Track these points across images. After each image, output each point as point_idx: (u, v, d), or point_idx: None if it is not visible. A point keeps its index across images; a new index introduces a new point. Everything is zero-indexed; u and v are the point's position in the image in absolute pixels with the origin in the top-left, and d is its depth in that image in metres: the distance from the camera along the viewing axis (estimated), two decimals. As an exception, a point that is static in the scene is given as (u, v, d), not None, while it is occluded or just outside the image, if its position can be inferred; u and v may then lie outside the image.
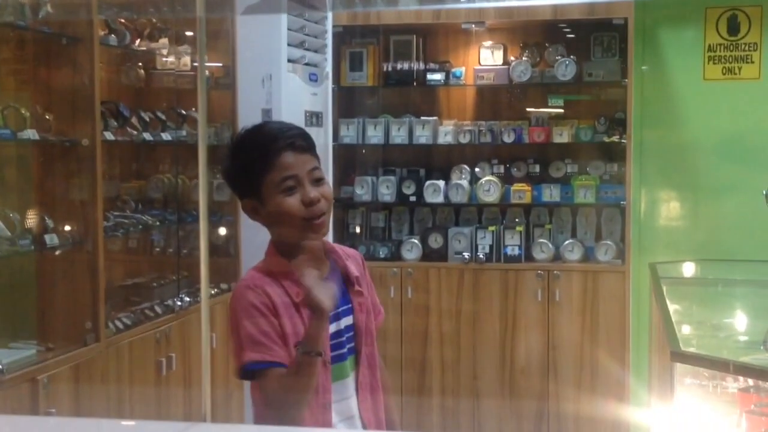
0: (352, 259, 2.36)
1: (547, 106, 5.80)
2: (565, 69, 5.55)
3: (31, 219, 3.55)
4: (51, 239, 3.52)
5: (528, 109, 5.84)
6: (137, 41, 4.23)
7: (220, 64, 4.91)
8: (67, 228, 3.63)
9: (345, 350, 2.27)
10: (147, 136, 4.21)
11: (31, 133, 3.42)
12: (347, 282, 2.30)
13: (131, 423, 0.97)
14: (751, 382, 2.96)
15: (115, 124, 4.02)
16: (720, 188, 5.58)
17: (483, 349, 5.49)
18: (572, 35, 5.78)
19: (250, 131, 2.28)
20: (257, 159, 2.19)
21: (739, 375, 2.80)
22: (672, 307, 3.51)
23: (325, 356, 2.17)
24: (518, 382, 5.48)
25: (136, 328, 3.90)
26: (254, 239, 4.83)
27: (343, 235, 5.84)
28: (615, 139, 5.55)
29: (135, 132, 4.15)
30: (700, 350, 2.94)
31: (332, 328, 2.22)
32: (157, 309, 4.12)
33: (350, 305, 2.29)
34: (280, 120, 2.34)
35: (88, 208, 3.66)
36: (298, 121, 5.11)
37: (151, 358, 3.93)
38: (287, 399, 2.11)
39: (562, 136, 5.63)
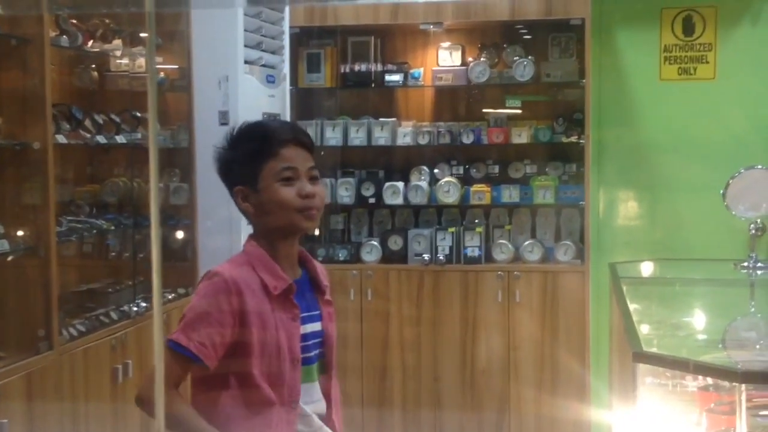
0: (319, 267, 2.38)
1: (505, 107, 5.80)
2: (523, 70, 5.56)
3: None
4: (1, 245, 3.43)
5: (486, 110, 5.83)
6: (90, 42, 4.15)
7: (176, 66, 4.84)
8: (19, 233, 3.55)
9: (312, 354, 2.28)
10: (101, 139, 4.14)
11: (-21, 137, 3.34)
12: (317, 290, 2.33)
13: None
14: (710, 381, 2.97)
15: (68, 126, 3.94)
16: (677, 187, 5.61)
17: (444, 350, 5.47)
18: (530, 36, 5.78)
19: (253, 124, 2.36)
20: (260, 147, 2.23)
21: (699, 374, 2.81)
22: (632, 307, 3.51)
23: (295, 354, 2.20)
24: (479, 384, 5.47)
25: (91, 335, 3.82)
26: (211, 244, 4.81)
27: (302, 237, 5.78)
28: (573, 139, 5.56)
29: (88, 135, 4.08)
30: (660, 350, 2.94)
31: (303, 328, 2.25)
32: (113, 315, 4.04)
33: (319, 312, 2.31)
34: (253, 125, 2.37)
35: (40, 212, 3.58)
36: (256, 123, 5.06)
37: (107, 366, 3.85)
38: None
39: (521, 136, 5.63)
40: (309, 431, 2.23)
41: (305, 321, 2.26)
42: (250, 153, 2.24)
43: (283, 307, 2.21)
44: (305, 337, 2.26)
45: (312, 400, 2.28)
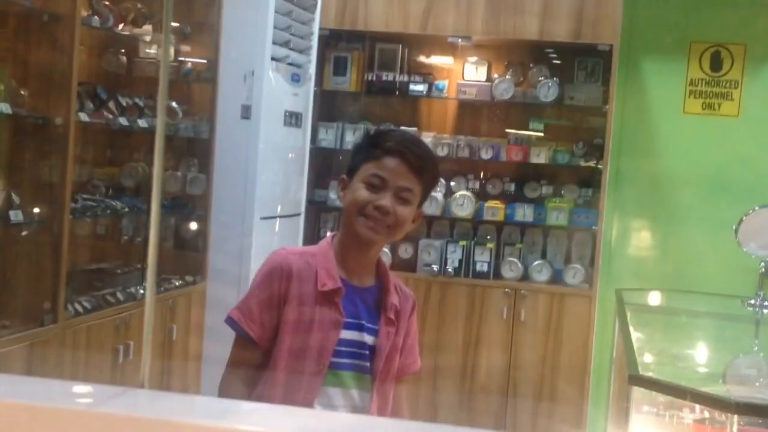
0: (402, 294, 2.34)
1: (526, 127, 5.81)
2: (547, 90, 5.57)
3: (-3, 193, 3.50)
4: (16, 215, 3.47)
5: (508, 129, 5.85)
6: (120, 25, 4.19)
7: (203, 57, 4.88)
8: (34, 206, 3.58)
9: (347, 361, 2.25)
10: (123, 121, 4.17)
11: (3, 107, 3.37)
12: (382, 306, 2.28)
13: (65, 383, 0.96)
14: (707, 414, 2.96)
15: (92, 106, 3.98)
16: (692, 221, 5.60)
17: (445, 363, 5.47)
18: (557, 58, 5.80)
19: (387, 129, 2.50)
20: (368, 147, 2.25)
21: (695, 403, 2.80)
22: (635, 335, 3.50)
23: (323, 356, 2.19)
24: (477, 400, 5.46)
25: (96, 313, 3.86)
26: (224, 236, 4.84)
27: (314, 239, 5.81)
28: (592, 164, 5.57)
29: (111, 116, 4.11)
30: (658, 377, 2.93)
31: (344, 334, 2.22)
32: (119, 296, 4.07)
33: (376, 327, 2.27)
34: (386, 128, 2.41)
35: (56, 188, 3.62)
36: (278, 119, 5.09)
37: (110, 345, 3.89)
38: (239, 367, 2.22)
39: (540, 156, 5.64)
40: None
41: (351, 328, 2.23)
42: (360, 149, 2.29)
43: (328, 308, 2.21)
44: (343, 342, 2.23)
45: (334, 404, 2.24)
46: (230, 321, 2.23)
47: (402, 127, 5.74)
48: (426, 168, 2.26)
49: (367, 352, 2.26)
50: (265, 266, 2.26)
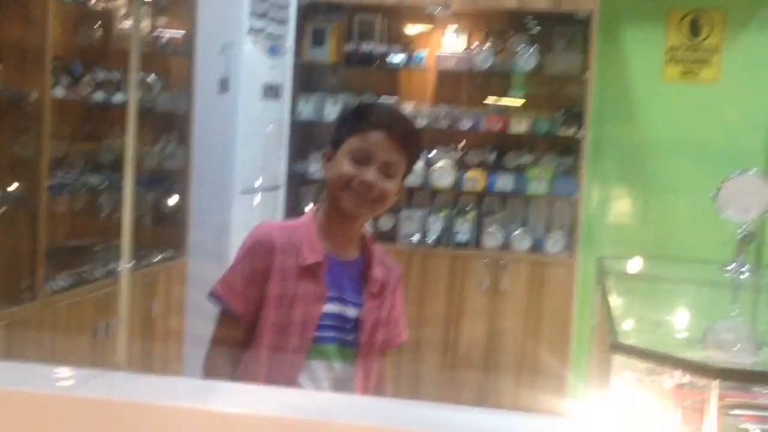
0: (387, 267, 2.33)
1: (506, 95, 5.80)
2: (527, 59, 5.55)
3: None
4: (-8, 193, 3.44)
5: (487, 98, 5.83)
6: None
7: (180, 30, 4.83)
8: (10, 183, 3.54)
9: (330, 333, 2.24)
10: (99, 96, 4.13)
11: (-23, 83, 3.33)
12: (366, 280, 2.28)
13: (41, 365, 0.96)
14: (687, 379, 2.98)
15: (67, 81, 3.93)
16: (672, 188, 5.62)
17: (426, 333, 5.48)
18: (536, 26, 5.77)
19: (372, 103, 2.40)
20: (354, 121, 2.24)
21: (675, 369, 2.82)
22: (615, 302, 3.52)
23: (307, 330, 2.19)
24: (459, 370, 5.48)
25: (75, 290, 3.83)
26: (204, 211, 4.82)
27: (295, 212, 5.79)
28: (572, 132, 5.56)
29: (87, 91, 4.07)
30: (639, 343, 2.95)
31: (328, 308, 2.22)
32: (99, 273, 4.04)
33: (360, 300, 2.26)
34: (370, 102, 2.38)
35: (32, 165, 3.58)
36: (256, 92, 5.06)
37: (90, 322, 3.87)
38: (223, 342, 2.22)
39: (520, 126, 5.63)
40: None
41: (334, 302, 2.23)
42: (344, 122, 2.27)
43: (311, 282, 2.20)
44: (327, 316, 2.23)
45: (318, 378, 2.24)
46: (213, 296, 2.23)
47: (382, 98, 5.72)
48: (410, 142, 2.26)
49: (351, 326, 2.26)
50: (247, 241, 2.25)
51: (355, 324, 2.27)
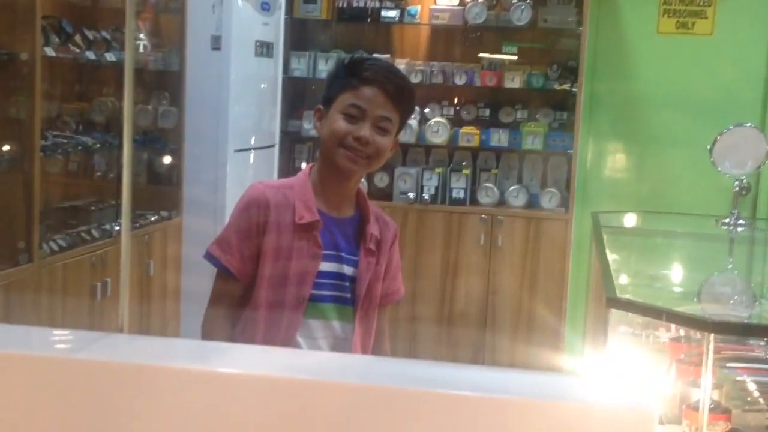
0: (383, 224, 2.33)
1: (500, 51, 5.76)
2: (521, 14, 5.51)
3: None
4: (-15, 155, 3.42)
5: (481, 54, 5.79)
6: (83, -44, 4.09)
7: (170, -13, 4.79)
8: (3, 144, 3.53)
9: (327, 292, 2.24)
10: (90, 55, 4.09)
11: (-34, 44, 3.30)
12: (362, 237, 2.27)
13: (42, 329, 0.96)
14: (682, 332, 3.00)
15: (57, 40, 3.89)
16: (667, 142, 5.61)
17: (423, 291, 5.50)
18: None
19: (362, 57, 2.33)
20: (345, 76, 2.21)
21: (670, 322, 2.83)
22: (611, 257, 3.52)
23: (303, 289, 2.19)
24: (456, 327, 5.51)
25: (71, 251, 3.83)
26: (197, 170, 4.80)
27: (289, 170, 5.78)
28: (566, 87, 5.54)
29: (78, 50, 4.03)
30: (635, 298, 2.95)
31: (324, 266, 2.21)
32: (95, 233, 4.04)
33: (356, 257, 2.26)
34: (361, 56, 2.33)
35: (25, 125, 3.56)
36: (248, 50, 5.01)
37: (87, 282, 3.87)
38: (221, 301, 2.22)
39: (514, 81, 5.60)
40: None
41: (330, 260, 2.23)
42: (336, 78, 2.24)
43: (306, 240, 2.20)
44: (323, 275, 2.22)
45: (315, 337, 2.24)
46: (209, 256, 2.22)
47: (375, 55, 5.68)
48: (403, 96, 2.24)
49: (348, 284, 2.26)
50: (242, 200, 2.24)
51: (352, 282, 2.27)
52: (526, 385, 0.93)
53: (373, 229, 2.29)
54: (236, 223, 2.23)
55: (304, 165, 5.69)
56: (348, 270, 2.26)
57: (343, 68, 2.26)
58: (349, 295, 2.27)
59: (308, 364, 0.97)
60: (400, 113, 2.23)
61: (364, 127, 2.17)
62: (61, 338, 0.95)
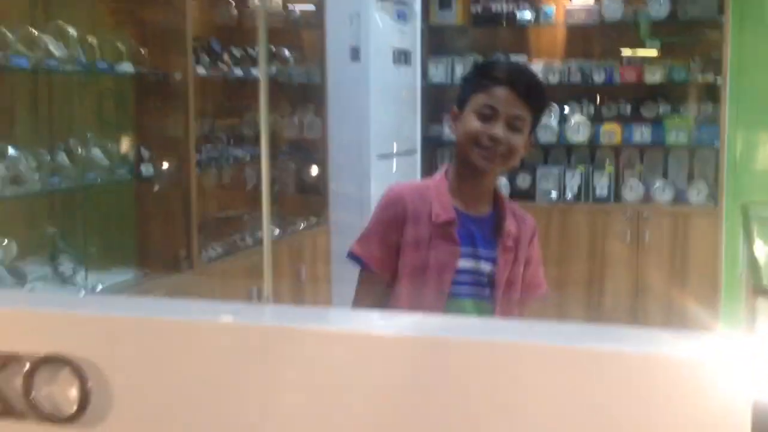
0: (520, 220, 2.38)
1: (640, 45, 5.68)
2: (659, 6, 5.43)
3: (128, 150, 3.69)
4: (147, 169, 3.65)
5: (620, 49, 5.73)
6: (229, -22, 4.31)
7: (310, 3, 4.96)
8: (162, 160, 3.76)
9: (465, 288, 2.30)
10: (238, 72, 4.30)
11: (126, 66, 3.54)
12: (499, 234, 2.32)
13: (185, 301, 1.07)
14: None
15: (207, 59, 4.11)
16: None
17: (570, 290, 5.48)
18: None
19: (492, 60, 2.45)
20: (478, 78, 2.29)
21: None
22: (763, 248, 3.44)
23: (443, 286, 2.25)
24: (605, 323, 5.45)
25: (227, 258, 4.04)
26: (342, 178, 4.95)
27: (431, 174, 5.86)
28: (710, 79, 5.42)
29: (226, 68, 4.25)
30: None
31: (462, 264, 2.27)
32: (248, 240, 4.24)
33: (494, 255, 2.31)
34: (494, 58, 2.42)
35: (181, 141, 3.78)
36: (386, 59, 5.14)
37: (243, 286, 4.06)
38: (365, 299, 2.30)
39: (655, 75, 5.52)
40: None
41: (468, 257, 2.28)
42: (469, 80, 2.33)
43: (443, 239, 2.26)
44: (461, 272, 2.28)
45: None
46: (351, 255, 2.32)
47: (511, 56, 5.72)
48: (535, 94, 2.28)
49: (486, 281, 2.30)
50: (381, 201, 2.33)
51: (490, 278, 2.32)
52: (670, 343, 0.98)
53: (510, 225, 2.33)
54: (376, 223, 2.31)
55: (443, 166, 5.80)
56: (486, 267, 2.31)
57: (475, 70, 2.34)
58: (487, 293, 2.32)
59: (455, 326, 1.05)
60: (533, 111, 2.27)
61: (497, 126, 2.22)
62: (224, 309, 1.06)
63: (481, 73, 2.29)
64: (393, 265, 2.29)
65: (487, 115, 2.23)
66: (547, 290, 2.47)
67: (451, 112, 2.34)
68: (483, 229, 2.32)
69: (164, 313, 1.05)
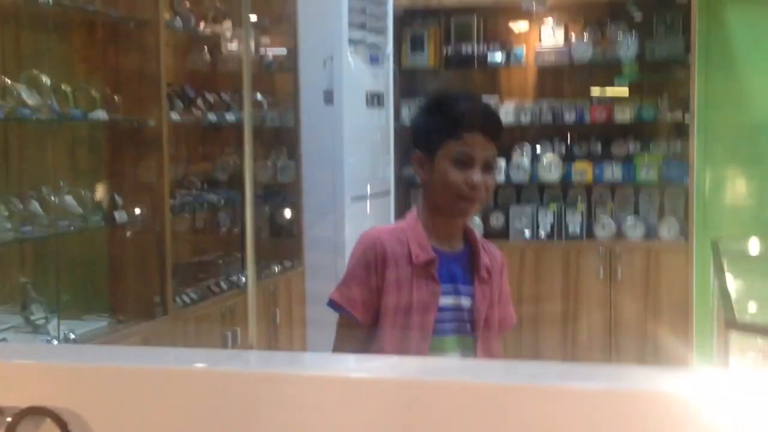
0: (490, 254, 2.40)
1: (608, 84, 5.77)
2: (627, 47, 5.53)
3: (102, 197, 3.68)
4: (120, 216, 3.65)
5: (590, 89, 5.81)
6: (201, 24, 4.34)
7: (283, 47, 5.00)
8: (136, 206, 3.76)
9: (448, 326, 2.31)
10: (212, 117, 4.32)
11: (100, 114, 3.55)
12: (475, 267, 2.34)
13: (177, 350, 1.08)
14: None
15: (181, 105, 4.13)
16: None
17: (545, 327, 5.50)
18: (635, 12, 5.73)
19: (452, 97, 2.39)
20: (447, 124, 2.27)
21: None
22: (735, 283, 3.48)
23: (426, 327, 2.26)
24: (580, 359, 5.47)
25: (202, 303, 4.02)
26: (316, 221, 4.97)
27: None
28: (678, 117, 5.50)
29: (200, 113, 4.26)
30: (757, 321, 2.93)
31: (443, 301, 2.28)
32: (223, 285, 4.23)
33: (471, 289, 2.33)
34: (450, 97, 2.40)
35: (155, 187, 3.78)
36: (360, 101, 5.19)
37: (217, 332, 4.05)
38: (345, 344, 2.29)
39: (624, 114, 5.60)
40: None
41: (449, 293, 2.29)
42: (436, 125, 2.30)
43: (425, 279, 2.27)
44: (443, 309, 2.29)
45: None
46: (332, 303, 2.30)
47: (484, 97, 5.78)
48: (499, 131, 2.30)
49: (468, 316, 2.31)
50: (358, 247, 2.33)
51: (470, 313, 2.32)
52: (650, 379, 1.00)
53: (484, 258, 2.36)
54: (355, 269, 2.31)
55: (412, 208, 5.82)
56: (466, 302, 2.32)
57: (439, 113, 2.31)
58: (469, 327, 2.34)
59: (435, 368, 1.06)
60: (498, 146, 2.30)
61: (476, 173, 2.23)
62: (198, 357, 1.07)
63: (447, 117, 2.28)
64: (373, 309, 2.29)
65: (465, 163, 2.25)
66: (515, 321, 2.49)
67: (415, 157, 2.31)
68: (460, 265, 2.33)
69: (144, 362, 1.06)
